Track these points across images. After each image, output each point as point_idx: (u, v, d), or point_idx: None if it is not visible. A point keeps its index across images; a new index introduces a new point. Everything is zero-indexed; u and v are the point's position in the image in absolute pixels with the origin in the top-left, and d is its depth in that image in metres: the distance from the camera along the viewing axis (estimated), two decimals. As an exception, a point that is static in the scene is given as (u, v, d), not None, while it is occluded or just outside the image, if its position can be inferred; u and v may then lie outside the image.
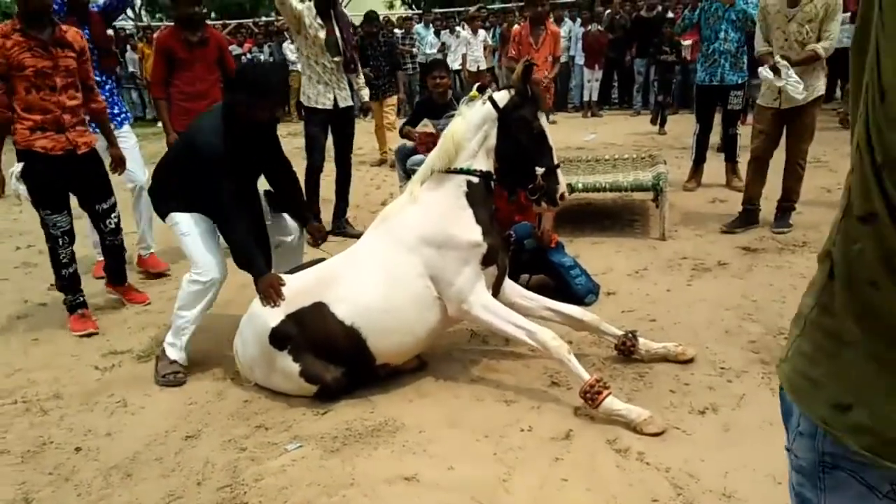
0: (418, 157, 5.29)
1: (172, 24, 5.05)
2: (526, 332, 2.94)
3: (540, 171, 3.06)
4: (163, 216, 3.45)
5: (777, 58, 4.59)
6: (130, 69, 15.15)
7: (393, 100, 8.97)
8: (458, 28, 13.56)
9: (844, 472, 0.89)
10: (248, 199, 3.33)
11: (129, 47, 15.30)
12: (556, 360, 2.90)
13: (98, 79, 4.27)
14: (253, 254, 3.18)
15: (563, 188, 3.12)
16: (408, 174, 5.64)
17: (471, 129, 3.05)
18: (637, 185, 5.12)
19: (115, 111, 4.64)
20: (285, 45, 14.24)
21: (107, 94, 4.47)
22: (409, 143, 5.66)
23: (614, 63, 12.42)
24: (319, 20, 5.13)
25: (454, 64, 12.52)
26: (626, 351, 3.19)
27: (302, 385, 3.02)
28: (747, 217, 5.14)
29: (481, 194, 3.09)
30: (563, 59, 9.56)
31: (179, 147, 3.45)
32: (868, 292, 0.82)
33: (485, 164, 3.09)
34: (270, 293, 3.06)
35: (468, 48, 12.80)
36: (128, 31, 17.03)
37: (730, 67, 5.89)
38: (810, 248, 4.57)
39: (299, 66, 14.45)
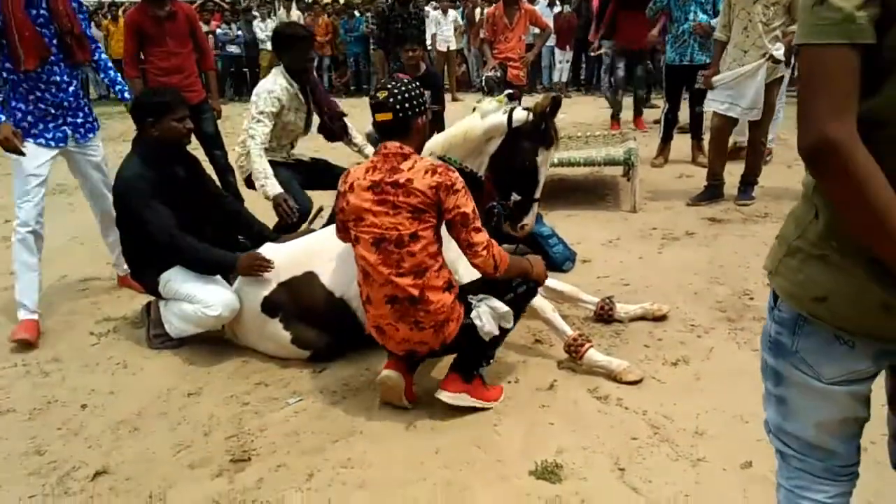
0: None
1: (139, 0, 4.95)
2: None
3: (516, 197, 3.24)
4: (155, 291, 3.33)
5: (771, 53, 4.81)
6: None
7: None
8: (427, 8, 13.62)
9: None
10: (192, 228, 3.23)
11: (92, 24, 14.98)
12: (542, 319, 3.09)
13: (59, 78, 3.53)
14: (213, 257, 3.21)
15: (528, 221, 3.32)
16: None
17: (483, 132, 3.14)
18: (609, 159, 5.33)
19: (80, 118, 3.69)
20: (255, 23, 14.15)
21: (71, 97, 3.61)
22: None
23: (583, 45, 12.57)
24: (301, 97, 4.01)
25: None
26: (605, 316, 3.40)
27: (294, 351, 3.16)
28: (712, 191, 5.40)
29: (472, 179, 3.23)
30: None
31: (117, 209, 3.32)
32: (843, 230, 1.13)
33: (477, 164, 3.20)
34: (254, 269, 3.16)
35: (438, 28, 12.87)
36: (91, 7, 16.65)
37: (699, 48, 6.11)
38: (772, 219, 4.85)
39: (269, 45, 14.22)
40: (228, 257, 3.20)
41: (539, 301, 3.09)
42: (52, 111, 3.55)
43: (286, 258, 3.23)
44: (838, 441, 1.30)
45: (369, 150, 4.22)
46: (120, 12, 14.55)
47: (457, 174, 2.54)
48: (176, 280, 3.22)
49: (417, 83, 2.62)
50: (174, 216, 3.14)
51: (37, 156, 3.51)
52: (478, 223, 2.52)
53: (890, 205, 1.03)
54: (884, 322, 1.13)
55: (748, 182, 5.32)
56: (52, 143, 3.60)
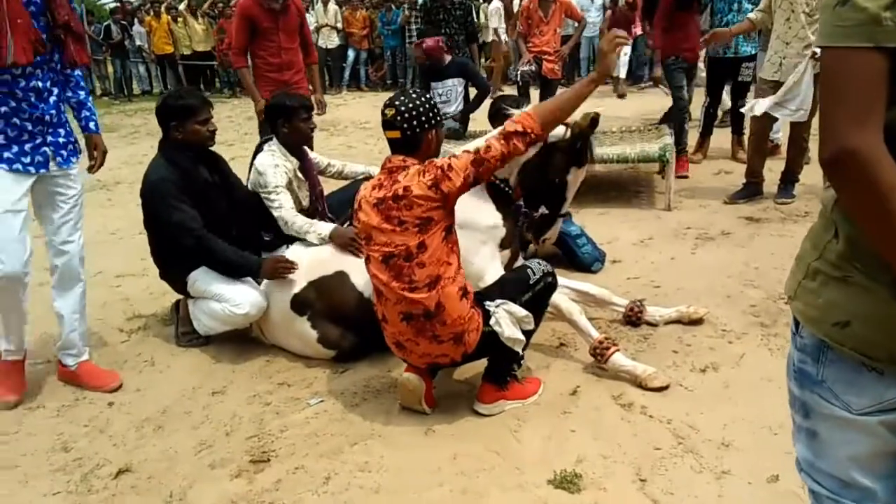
0: None
1: None
2: None
3: (543, 210, 3.20)
4: (183, 290, 3.36)
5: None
6: (138, 43, 15.18)
7: None
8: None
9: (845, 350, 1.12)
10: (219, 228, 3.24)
11: (136, 20, 15.30)
12: (568, 321, 3.04)
13: (41, 84, 2.80)
14: (238, 259, 3.20)
15: (551, 234, 3.32)
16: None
17: None
18: (644, 156, 5.21)
19: (62, 137, 2.91)
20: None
21: (53, 109, 2.86)
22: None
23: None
24: (300, 174, 3.60)
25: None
26: (634, 319, 3.33)
27: (319, 350, 3.17)
28: (751, 189, 5.24)
29: (501, 192, 3.20)
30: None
31: (144, 211, 3.32)
32: (867, 248, 1.05)
33: (507, 171, 3.14)
34: (278, 273, 3.16)
35: (500, 22, 12.64)
36: (134, 4, 16.99)
37: (744, 39, 5.89)
38: (812, 218, 4.65)
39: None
40: (253, 260, 3.22)
41: (565, 303, 3.05)
42: (30, 127, 2.78)
43: (317, 256, 3.23)
44: (875, 478, 1.18)
45: (350, 167, 3.94)
46: (162, 8, 14.78)
47: (444, 158, 2.43)
48: (204, 279, 3.25)
49: (430, 96, 2.57)
50: (200, 217, 3.17)
51: (12, 186, 2.75)
52: (480, 156, 2.39)
53: None
54: None
55: (789, 180, 5.15)
56: (32, 169, 2.81)
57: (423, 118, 2.48)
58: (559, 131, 3.04)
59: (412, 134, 2.47)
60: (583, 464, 2.37)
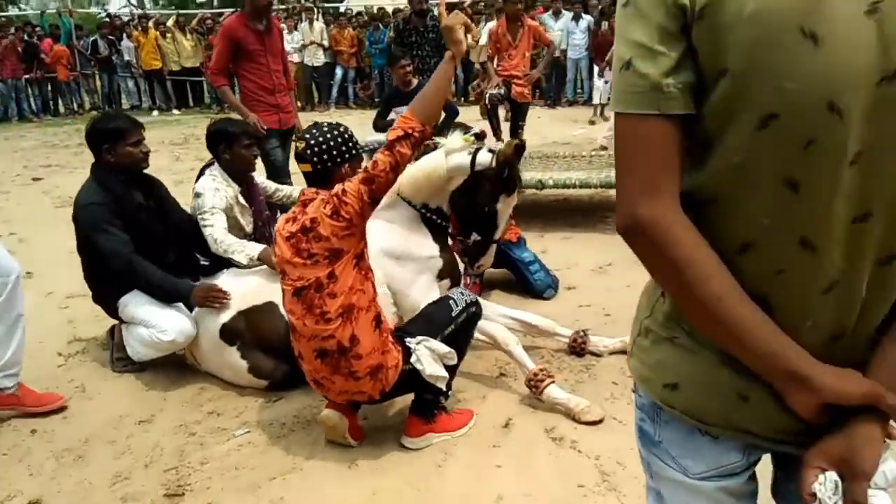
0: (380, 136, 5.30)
1: (240, 11, 4.69)
2: (477, 329, 3.01)
3: (475, 237, 3.17)
4: (115, 314, 3.29)
5: None
6: (126, 58, 15.18)
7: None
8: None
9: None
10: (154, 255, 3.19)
11: (124, 35, 15.31)
12: (504, 351, 2.99)
13: None
14: (169, 285, 3.15)
15: (485, 262, 3.29)
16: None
17: (446, 171, 3.08)
18: (607, 182, 5.16)
19: None
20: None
21: None
22: (378, 137, 5.76)
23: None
24: (243, 199, 3.51)
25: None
26: (578, 349, 3.26)
27: (251, 380, 3.09)
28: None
29: (435, 223, 3.20)
30: (556, 53, 9.16)
31: (76, 234, 3.29)
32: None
33: (439, 201, 3.18)
34: (208, 300, 3.10)
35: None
36: (124, 19, 17.03)
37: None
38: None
39: (296, 57, 14.19)
40: (184, 286, 3.15)
41: (502, 333, 3.00)
42: None
43: (247, 286, 3.17)
44: None
45: (282, 191, 3.86)
46: (150, 24, 14.81)
47: (339, 185, 2.34)
48: (133, 304, 3.18)
49: (346, 128, 2.51)
50: (132, 241, 3.11)
51: None
52: (369, 173, 2.28)
53: (724, 293, 0.89)
54: (743, 413, 0.98)
55: None
56: None
57: (335, 152, 2.41)
58: (485, 160, 2.99)
59: (323, 168, 2.41)
60: (502, 502, 2.30)
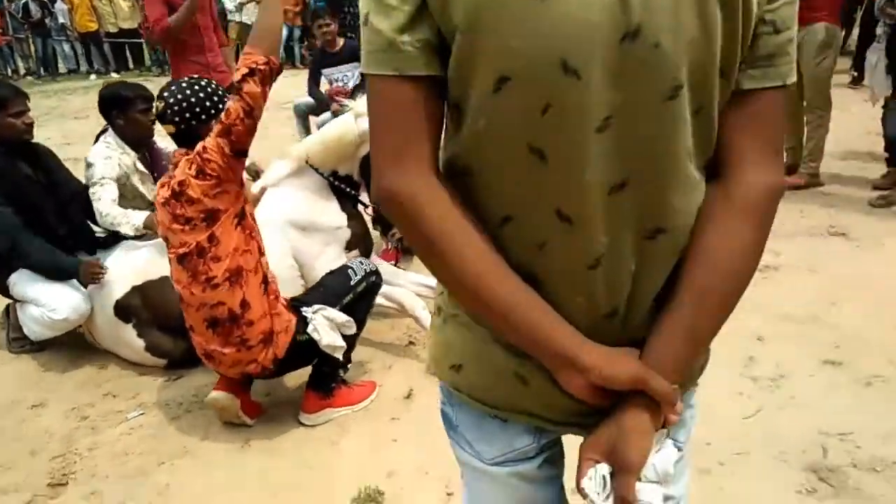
0: (326, 115, 5.18)
1: None
2: (384, 296, 2.94)
3: None
4: (6, 292, 3.14)
5: None
6: (61, 20, 14.50)
7: None
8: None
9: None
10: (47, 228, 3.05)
11: (57, -3, 14.60)
12: (411, 317, 2.94)
13: None
14: (55, 262, 3.00)
15: (398, 231, 3.14)
16: (308, 131, 5.55)
17: (358, 135, 2.99)
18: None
19: None
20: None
21: None
22: (308, 100, 5.58)
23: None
24: (142, 166, 3.33)
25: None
26: None
27: (149, 358, 2.99)
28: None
29: (343, 191, 3.12)
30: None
31: None
32: None
33: (350, 167, 3.10)
34: (90, 277, 2.96)
35: None
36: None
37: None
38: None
39: (237, 17, 13.72)
40: (70, 263, 3.00)
41: (409, 298, 2.96)
42: None
43: (141, 259, 3.04)
44: None
45: None
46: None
47: (202, 143, 2.19)
48: (23, 282, 3.03)
49: (208, 82, 2.36)
50: (19, 215, 2.94)
51: None
52: (224, 123, 2.12)
53: (484, 270, 0.82)
54: (524, 394, 0.92)
55: None
56: None
57: (198, 109, 2.27)
58: None
59: (187, 127, 2.27)
60: (392, 478, 2.25)
